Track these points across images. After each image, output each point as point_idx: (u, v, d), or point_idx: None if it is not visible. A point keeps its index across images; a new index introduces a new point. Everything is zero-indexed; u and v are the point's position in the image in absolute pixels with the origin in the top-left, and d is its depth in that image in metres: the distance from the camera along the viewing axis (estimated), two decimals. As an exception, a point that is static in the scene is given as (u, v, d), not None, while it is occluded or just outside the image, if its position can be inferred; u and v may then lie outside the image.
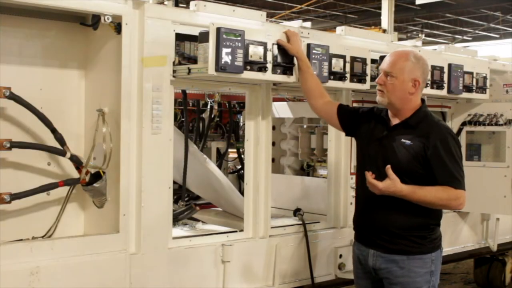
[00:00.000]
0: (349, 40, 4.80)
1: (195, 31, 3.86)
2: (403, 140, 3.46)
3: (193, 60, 3.91)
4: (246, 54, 3.74)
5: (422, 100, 3.60)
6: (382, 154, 3.50)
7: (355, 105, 5.02)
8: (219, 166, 5.50)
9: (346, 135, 4.06)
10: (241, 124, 6.05)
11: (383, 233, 3.50)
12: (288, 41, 3.96)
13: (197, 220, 4.65)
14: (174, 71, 3.83)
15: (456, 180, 3.39)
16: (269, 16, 7.22)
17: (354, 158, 4.96)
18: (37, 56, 3.73)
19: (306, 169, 5.77)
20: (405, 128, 3.50)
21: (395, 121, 3.56)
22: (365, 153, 3.65)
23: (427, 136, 3.43)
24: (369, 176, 3.36)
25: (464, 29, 21.12)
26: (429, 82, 4.98)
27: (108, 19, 3.51)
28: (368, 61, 4.55)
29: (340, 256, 4.83)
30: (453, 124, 5.92)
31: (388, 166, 3.32)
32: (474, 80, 5.48)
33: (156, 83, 3.73)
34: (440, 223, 3.60)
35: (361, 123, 3.73)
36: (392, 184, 3.31)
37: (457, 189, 3.38)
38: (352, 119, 3.81)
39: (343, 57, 4.38)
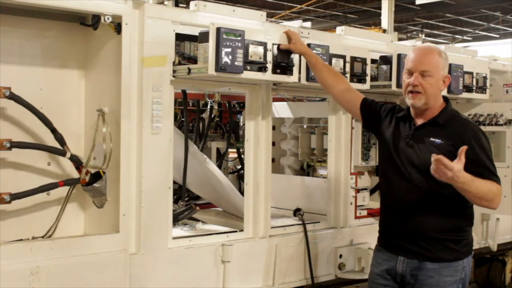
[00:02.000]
0: (349, 40, 4.80)
1: (195, 31, 3.86)
2: (432, 139, 3.32)
3: (193, 60, 3.91)
4: (246, 54, 3.74)
5: (446, 98, 3.48)
6: (409, 154, 3.36)
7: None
8: (219, 166, 5.51)
9: (367, 129, 3.96)
10: (241, 124, 6.05)
11: (417, 238, 3.36)
12: (289, 41, 3.94)
13: (197, 220, 4.65)
14: (174, 71, 3.83)
15: (495, 176, 3.27)
16: (269, 16, 7.21)
17: (354, 158, 4.98)
18: (37, 56, 3.73)
19: (306, 169, 5.77)
20: (433, 127, 3.36)
21: (420, 120, 3.42)
22: (389, 153, 3.47)
23: (459, 134, 3.29)
24: (442, 158, 3.00)
25: (464, 29, 21.13)
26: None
27: (108, 19, 3.51)
28: (368, 61, 4.55)
29: (340, 256, 4.83)
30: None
31: (463, 148, 3.03)
32: (474, 80, 5.48)
33: (156, 83, 3.73)
34: (473, 223, 3.49)
35: (382, 121, 3.59)
36: (462, 167, 3.06)
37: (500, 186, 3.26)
38: (374, 116, 3.66)
39: (343, 57, 4.38)
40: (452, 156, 3.14)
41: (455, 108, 3.56)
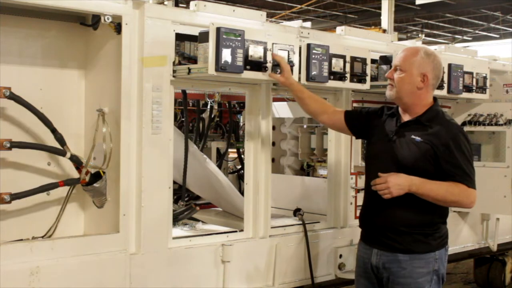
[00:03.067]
0: (349, 40, 4.80)
1: (195, 31, 3.86)
2: (413, 137, 3.47)
3: (193, 60, 3.91)
4: (246, 54, 3.74)
5: (435, 99, 3.61)
6: (391, 150, 3.51)
7: (355, 105, 5.02)
8: (219, 166, 5.50)
9: (357, 138, 4.12)
10: (241, 124, 6.05)
11: (388, 230, 3.52)
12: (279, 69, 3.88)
13: (197, 220, 4.65)
14: (174, 71, 3.83)
15: (468, 178, 3.41)
16: (269, 16, 7.22)
17: (354, 158, 4.98)
18: (37, 56, 3.73)
19: (306, 169, 5.77)
20: (416, 125, 3.51)
21: (406, 117, 3.58)
22: (373, 149, 3.68)
23: (438, 134, 3.44)
24: (374, 181, 3.40)
25: (464, 29, 21.13)
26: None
27: (108, 19, 3.51)
28: (368, 61, 4.55)
29: (340, 256, 4.83)
30: (453, 124, 5.91)
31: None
32: (474, 80, 5.48)
33: (156, 83, 3.73)
34: (446, 221, 3.61)
35: (371, 122, 3.75)
36: (397, 175, 3.35)
37: (469, 188, 3.40)
38: (361, 122, 3.82)
39: (343, 57, 4.38)
40: (430, 155, 3.41)
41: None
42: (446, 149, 3.40)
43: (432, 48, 6.00)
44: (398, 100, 3.58)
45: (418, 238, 3.47)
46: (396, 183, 3.32)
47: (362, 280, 3.70)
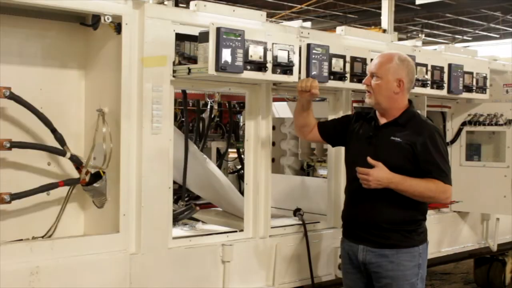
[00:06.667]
0: (349, 40, 4.80)
1: (195, 31, 3.86)
2: (392, 138, 3.60)
3: (193, 60, 3.91)
4: (246, 54, 3.73)
5: (410, 101, 3.76)
6: (371, 151, 3.61)
7: (355, 105, 5.02)
8: (219, 166, 5.50)
9: (333, 146, 4.25)
10: (241, 124, 6.05)
11: (373, 228, 3.63)
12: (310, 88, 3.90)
13: (197, 220, 4.65)
14: (174, 71, 3.83)
15: (444, 174, 3.56)
16: (269, 16, 7.21)
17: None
18: (37, 56, 3.73)
19: (306, 169, 5.77)
20: (394, 126, 3.65)
21: (382, 120, 3.71)
22: (353, 151, 3.81)
23: (417, 133, 3.59)
24: (359, 168, 3.51)
25: (464, 29, 21.13)
26: (428, 82, 4.99)
27: (108, 19, 3.51)
28: (368, 61, 4.54)
29: (340, 256, 4.82)
30: (453, 124, 5.92)
31: (374, 162, 3.49)
32: (474, 80, 5.48)
33: (156, 83, 3.73)
34: (426, 218, 3.74)
35: (346, 129, 3.88)
36: (380, 170, 3.46)
37: (445, 184, 3.55)
38: (335, 130, 3.99)
39: (343, 57, 4.38)
40: (410, 154, 3.56)
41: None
42: (424, 147, 3.55)
43: (432, 48, 6.02)
44: (377, 106, 3.70)
45: (404, 234, 3.61)
46: (376, 178, 3.46)
47: (350, 275, 3.80)
